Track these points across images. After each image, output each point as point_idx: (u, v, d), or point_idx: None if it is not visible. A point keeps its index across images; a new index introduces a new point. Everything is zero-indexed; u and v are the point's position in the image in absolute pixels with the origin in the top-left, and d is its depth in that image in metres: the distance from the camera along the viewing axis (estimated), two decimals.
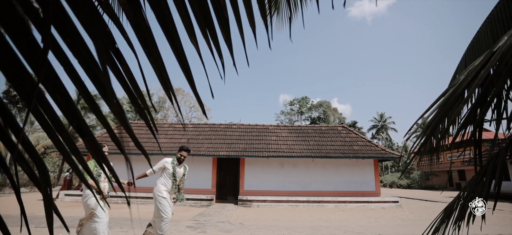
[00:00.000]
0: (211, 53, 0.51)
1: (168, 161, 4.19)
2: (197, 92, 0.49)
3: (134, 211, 8.80)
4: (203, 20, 0.53)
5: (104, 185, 3.79)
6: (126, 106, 25.91)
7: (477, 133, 1.41)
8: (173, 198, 4.23)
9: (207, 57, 0.59)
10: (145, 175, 4.22)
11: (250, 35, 0.55)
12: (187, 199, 11.47)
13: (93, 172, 3.59)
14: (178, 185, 4.22)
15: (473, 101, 1.46)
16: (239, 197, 11.83)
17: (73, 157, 0.51)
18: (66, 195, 11.47)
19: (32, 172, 0.49)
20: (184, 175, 4.32)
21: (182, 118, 0.52)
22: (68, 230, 0.58)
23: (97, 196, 3.57)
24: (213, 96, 0.48)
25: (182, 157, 4.19)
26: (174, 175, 4.12)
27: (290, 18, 1.16)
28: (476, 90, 1.81)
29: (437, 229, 1.89)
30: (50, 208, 0.48)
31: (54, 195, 12.38)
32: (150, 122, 0.50)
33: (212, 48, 0.51)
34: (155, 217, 3.99)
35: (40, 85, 0.46)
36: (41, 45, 0.44)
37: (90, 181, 3.52)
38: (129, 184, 4.02)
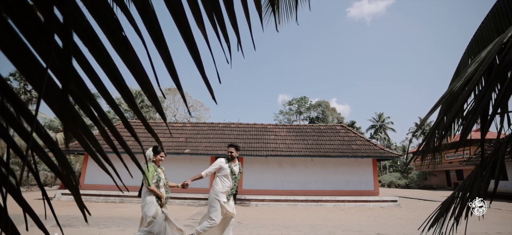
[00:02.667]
0: (218, 38, 0.48)
1: (223, 161, 3.98)
2: (205, 74, 0.47)
3: (133, 211, 8.75)
4: (211, 6, 0.51)
5: (162, 190, 3.55)
6: (124, 106, 25.79)
7: (483, 127, 1.39)
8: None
9: (213, 45, 0.58)
10: (201, 177, 3.97)
11: (254, 28, 0.53)
12: (185, 198, 11.42)
13: (154, 177, 3.44)
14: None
15: (479, 98, 1.44)
16: (238, 196, 11.79)
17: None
18: (63, 194, 11.38)
19: (47, 156, 0.51)
20: (240, 172, 4.12)
21: (187, 107, 0.50)
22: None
23: (158, 202, 3.43)
24: (220, 81, 0.46)
25: (229, 154, 4.01)
26: (233, 173, 3.93)
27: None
28: (479, 85, 1.79)
29: (435, 221, 1.88)
30: (71, 179, 0.55)
31: (52, 194, 12.28)
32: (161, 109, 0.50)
33: (218, 33, 0.48)
34: (207, 216, 3.82)
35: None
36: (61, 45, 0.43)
37: (152, 187, 3.40)
38: (183, 186, 3.87)
